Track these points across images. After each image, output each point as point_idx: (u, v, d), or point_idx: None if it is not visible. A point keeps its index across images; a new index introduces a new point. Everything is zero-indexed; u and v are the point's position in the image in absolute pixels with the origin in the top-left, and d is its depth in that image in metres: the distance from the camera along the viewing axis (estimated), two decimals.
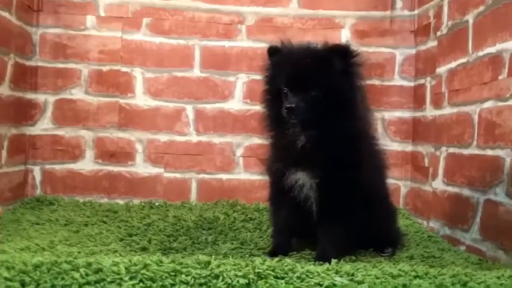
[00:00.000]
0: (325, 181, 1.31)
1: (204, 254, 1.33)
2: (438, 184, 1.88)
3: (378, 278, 0.98)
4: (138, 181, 2.19)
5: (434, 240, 1.71)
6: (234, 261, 1.01)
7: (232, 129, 2.21)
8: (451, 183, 1.78)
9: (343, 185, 1.31)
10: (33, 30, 2.14)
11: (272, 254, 1.33)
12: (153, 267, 0.94)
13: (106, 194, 2.18)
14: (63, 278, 0.90)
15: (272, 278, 0.95)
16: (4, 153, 1.87)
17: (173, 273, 0.93)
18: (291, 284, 0.94)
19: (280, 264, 1.02)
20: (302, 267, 1.01)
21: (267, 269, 0.97)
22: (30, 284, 0.89)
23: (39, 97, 2.16)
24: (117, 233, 1.58)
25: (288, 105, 1.26)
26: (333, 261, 1.14)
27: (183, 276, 0.92)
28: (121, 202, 2.14)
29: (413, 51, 2.22)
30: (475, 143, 1.62)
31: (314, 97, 1.27)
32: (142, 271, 0.92)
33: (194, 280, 0.92)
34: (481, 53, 1.61)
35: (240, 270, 0.96)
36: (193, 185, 2.21)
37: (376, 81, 2.23)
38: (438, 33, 1.95)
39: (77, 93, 2.18)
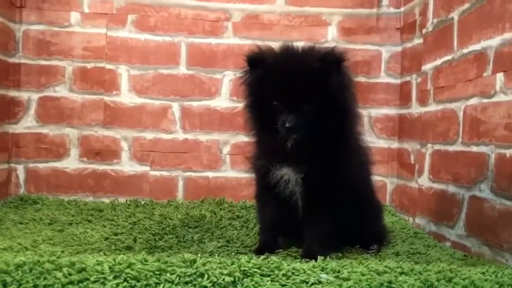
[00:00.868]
0: (310, 176, 1.30)
1: (190, 252, 1.32)
2: (424, 181, 1.89)
3: (363, 275, 0.98)
4: (123, 179, 2.17)
5: (420, 237, 1.72)
6: (219, 260, 1.01)
7: (219, 127, 2.20)
8: (436, 180, 1.79)
9: (328, 180, 1.31)
10: (16, 26, 2.11)
11: (258, 252, 1.33)
12: (137, 266, 0.92)
13: (91, 193, 2.16)
14: (45, 278, 0.88)
15: (258, 276, 0.94)
16: None
17: (158, 272, 0.92)
18: (277, 281, 0.93)
19: (266, 262, 1.01)
20: (288, 265, 1.01)
21: (252, 267, 0.96)
22: (12, 284, 0.87)
23: (23, 95, 2.12)
24: (102, 232, 1.56)
25: (287, 126, 1.22)
26: (319, 258, 1.13)
27: (168, 275, 0.91)
28: (106, 201, 2.12)
29: (399, 48, 2.23)
30: (460, 139, 1.63)
31: (310, 111, 1.24)
32: (126, 270, 0.91)
33: (179, 279, 0.91)
34: (465, 50, 1.62)
35: (226, 269, 0.95)
36: (180, 183, 2.20)
37: (362, 79, 2.23)
38: (424, 31, 1.96)
39: (61, 91, 2.15)
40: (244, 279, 0.92)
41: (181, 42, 2.20)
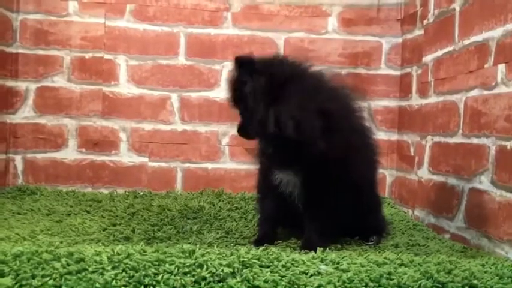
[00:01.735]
0: (309, 178, 1.31)
1: (189, 243, 1.31)
2: (424, 173, 1.88)
3: (363, 266, 0.98)
4: (122, 170, 2.17)
5: (420, 229, 1.72)
6: (218, 250, 1.00)
7: (218, 118, 2.19)
8: (436, 172, 1.78)
9: (327, 179, 1.30)
10: (13, 16, 2.09)
11: (257, 243, 1.32)
12: (136, 257, 0.92)
13: (89, 184, 2.15)
14: (43, 268, 0.87)
15: (257, 266, 0.94)
16: None
17: (157, 263, 0.91)
18: (276, 272, 0.93)
19: (265, 253, 1.01)
20: (287, 256, 1.00)
21: (252, 258, 0.96)
22: (9, 274, 0.86)
23: (20, 85, 2.11)
24: (101, 223, 1.55)
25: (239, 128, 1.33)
26: (319, 249, 1.13)
27: (167, 265, 0.91)
28: (105, 191, 2.11)
29: (399, 39, 2.22)
30: (460, 131, 1.62)
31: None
32: (125, 260, 0.90)
33: (178, 269, 0.90)
34: (467, 42, 1.61)
35: (225, 259, 0.94)
36: (179, 174, 2.19)
37: (362, 70, 2.22)
38: (425, 22, 1.94)
39: (59, 81, 2.14)
40: (244, 270, 0.92)
41: (180, 32, 2.18)
